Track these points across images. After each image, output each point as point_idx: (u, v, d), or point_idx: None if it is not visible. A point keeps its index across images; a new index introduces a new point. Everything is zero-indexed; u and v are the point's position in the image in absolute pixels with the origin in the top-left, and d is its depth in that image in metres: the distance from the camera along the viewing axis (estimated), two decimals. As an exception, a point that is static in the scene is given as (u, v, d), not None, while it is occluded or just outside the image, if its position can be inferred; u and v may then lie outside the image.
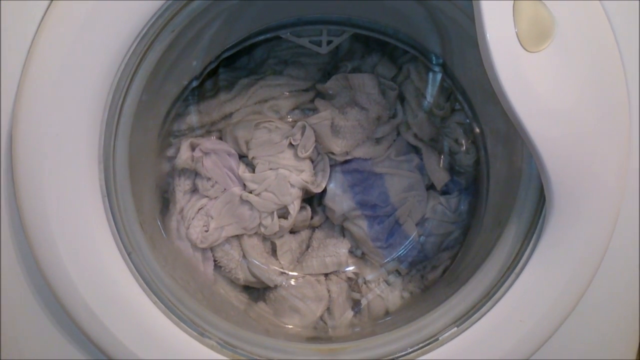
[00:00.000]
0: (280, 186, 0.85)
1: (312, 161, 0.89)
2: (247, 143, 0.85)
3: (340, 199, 0.90)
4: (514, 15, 0.54)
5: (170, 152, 0.85)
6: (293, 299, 0.86)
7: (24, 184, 0.59)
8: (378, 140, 0.90)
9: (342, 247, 0.90)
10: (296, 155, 0.86)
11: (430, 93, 0.88)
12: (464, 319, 0.65)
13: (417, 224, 0.90)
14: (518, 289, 0.63)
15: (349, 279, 0.90)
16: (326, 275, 0.90)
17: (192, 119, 0.87)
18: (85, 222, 0.60)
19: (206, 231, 0.83)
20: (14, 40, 0.58)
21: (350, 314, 0.88)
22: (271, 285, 0.88)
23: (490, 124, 0.81)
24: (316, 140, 0.87)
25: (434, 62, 0.86)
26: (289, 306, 0.86)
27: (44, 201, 0.59)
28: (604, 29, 0.58)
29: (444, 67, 0.86)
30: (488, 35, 0.54)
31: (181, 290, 0.68)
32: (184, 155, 0.83)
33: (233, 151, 0.85)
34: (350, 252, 0.92)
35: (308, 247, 0.93)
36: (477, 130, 0.85)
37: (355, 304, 0.89)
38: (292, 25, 0.85)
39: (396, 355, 0.66)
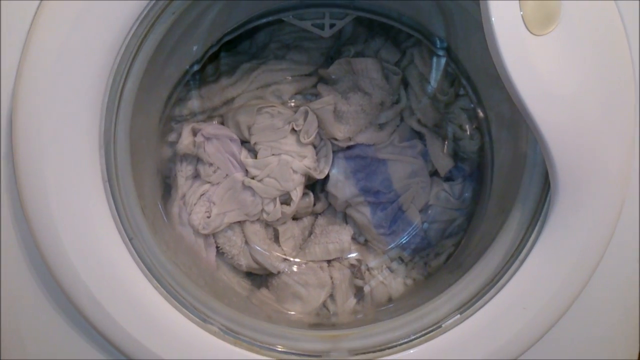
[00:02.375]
0: (283, 172, 0.84)
1: (315, 147, 0.89)
2: (249, 128, 0.85)
3: (342, 185, 0.89)
4: (519, -2, 0.53)
5: (171, 137, 0.84)
6: (295, 286, 0.86)
7: (25, 170, 0.59)
8: (381, 126, 0.89)
9: (344, 234, 0.90)
10: (299, 141, 0.86)
11: (434, 78, 0.87)
12: (467, 306, 0.65)
13: (420, 211, 0.90)
14: (522, 276, 0.63)
15: (352, 265, 0.90)
16: (329, 262, 0.90)
17: (194, 104, 0.86)
18: (86, 207, 0.60)
19: (208, 217, 0.83)
20: (13, 24, 0.58)
21: (352, 301, 0.88)
22: (274, 271, 0.88)
23: (495, 109, 0.81)
24: (319, 126, 0.86)
25: (438, 46, 0.85)
26: (291, 293, 0.86)
27: (45, 187, 0.59)
28: (610, 12, 0.57)
29: (448, 51, 0.85)
30: (493, 18, 0.53)
31: (183, 276, 0.68)
32: (186, 141, 0.82)
33: (235, 136, 0.85)
34: (353, 238, 0.92)
35: (310, 233, 0.92)
36: (482, 115, 0.85)
37: (358, 291, 0.88)
38: (294, 8, 0.84)
39: (399, 342, 0.66)
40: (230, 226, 0.86)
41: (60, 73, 0.57)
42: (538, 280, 0.63)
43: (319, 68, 0.90)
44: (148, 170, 0.77)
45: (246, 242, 0.87)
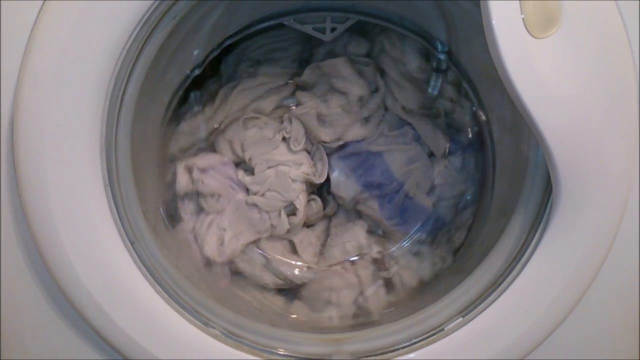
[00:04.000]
0: (282, 183, 0.84)
1: (309, 152, 0.89)
2: (241, 145, 0.85)
3: (345, 185, 0.89)
4: (520, 1, 0.53)
5: (168, 178, 0.83)
6: (324, 292, 0.86)
7: (26, 174, 0.59)
8: (367, 120, 0.88)
9: (358, 230, 0.89)
10: (291, 149, 0.86)
11: (409, 60, 0.86)
12: (469, 309, 0.65)
13: (428, 193, 0.89)
14: (524, 279, 0.63)
15: (375, 260, 0.89)
16: (352, 261, 0.90)
17: (181, 141, 0.86)
18: (88, 211, 0.60)
19: (221, 245, 0.83)
20: (14, 29, 0.58)
21: (384, 293, 0.87)
22: (299, 282, 0.87)
23: (497, 111, 0.81)
24: (306, 132, 0.86)
25: (439, 49, 0.85)
26: (322, 300, 0.85)
27: (46, 191, 0.59)
28: (611, 14, 0.57)
29: (449, 54, 0.85)
30: (494, 21, 0.53)
31: (184, 280, 0.68)
32: (183, 181, 0.82)
33: (226, 159, 0.85)
34: (372, 232, 0.91)
35: (328, 237, 0.92)
36: (483, 118, 0.85)
37: (387, 282, 0.87)
38: (295, 12, 0.84)
39: (401, 346, 0.66)
40: (247, 247, 0.86)
41: (61, 77, 0.57)
42: (540, 284, 0.62)
43: (295, 75, 0.89)
44: (149, 174, 0.77)
45: (267, 260, 0.87)
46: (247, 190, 0.85)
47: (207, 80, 0.89)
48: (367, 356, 0.67)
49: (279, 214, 0.86)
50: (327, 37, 0.86)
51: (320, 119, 0.86)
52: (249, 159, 0.85)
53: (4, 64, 0.58)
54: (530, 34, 0.54)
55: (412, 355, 0.65)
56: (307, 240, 0.91)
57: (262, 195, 0.84)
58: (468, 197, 0.88)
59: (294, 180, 0.85)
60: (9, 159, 0.60)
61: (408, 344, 0.66)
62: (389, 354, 0.66)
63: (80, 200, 0.60)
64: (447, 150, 0.89)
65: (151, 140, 0.78)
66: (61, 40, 0.56)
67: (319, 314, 0.85)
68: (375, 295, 0.86)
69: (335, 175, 0.89)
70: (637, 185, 0.62)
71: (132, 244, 0.63)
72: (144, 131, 0.72)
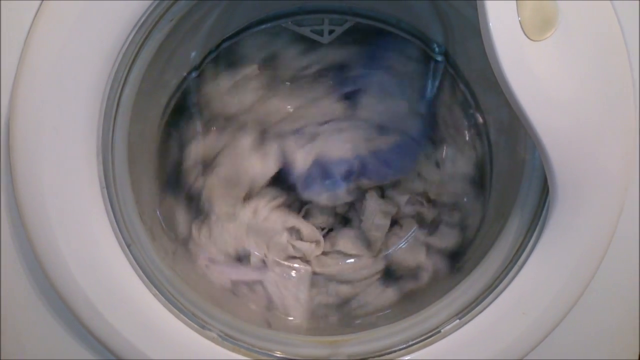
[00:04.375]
0: (265, 226, 0.85)
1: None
2: (213, 243, 0.84)
3: (331, 196, 0.89)
4: (517, 3, 0.53)
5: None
6: (405, 265, 0.86)
7: (23, 177, 0.59)
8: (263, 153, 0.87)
9: (371, 202, 0.89)
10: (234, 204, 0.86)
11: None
12: (466, 311, 0.65)
13: (385, 132, 0.87)
14: (521, 281, 0.63)
15: (414, 216, 0.89)
16: (399, 224, 0.90)
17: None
18: (84, 214, 0.60)
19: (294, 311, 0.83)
20: (10, 31, 0.58)
21: (446, 226, 0.86)
22: (375, 275, 0.88)
23: (494, 114, 0.81)
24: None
25: (436, 51, 0.85)
26: (413, 269, 0.85)
27: (42, 194, 0.59)
28: (608, 16, 0.57)
29: (446, 56, 0.85)
30: (491, 24, 0.53)
31: (181, 283, 0.68)
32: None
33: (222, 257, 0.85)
34: (394, 186, 0.90)
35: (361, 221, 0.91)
36: (480, 120, 0.85)
37: (443, 211, 0.87)
38: (292, 15, 0.84)
39: (398, 348, 0.66)
40: (314, 285, 0.87)
41: (58, 79, 0.57)
42: (537, 286, 0.62)
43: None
44: (146, 176, 0.77)
45: (338, 280, 0.88)
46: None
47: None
48: (364, 358, 0.67)
49: (292, 246, 0.87)
50: (325, 39, 0.85)
51: (224, 183, 0.85)
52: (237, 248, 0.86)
53: (1, 65, 0.58)
54: (527, 37, 0.54)
55: (408, 357, 0.65)
56: (350, 240, 0.91)
57: (267, 244, 0.86)
58: (428, 99, 0.86)
59: (266, 219, 0.86)
60: (6, 160, 0.60)
61: (405, 346, 0.66)
62: (386, 356, 0.66)
63: (76, 203, 0.60)
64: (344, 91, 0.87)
65: (148, 142, 0.78)
66: (58, 42, 0.56)
67: (417, 284, 0.84)
68: (440, 236, 0.86)
69: (316, 199, 0.89)
70: (636, 186, 0.63)
71: (128, 246, 0.63)
72: (141, 133, 0.72)
